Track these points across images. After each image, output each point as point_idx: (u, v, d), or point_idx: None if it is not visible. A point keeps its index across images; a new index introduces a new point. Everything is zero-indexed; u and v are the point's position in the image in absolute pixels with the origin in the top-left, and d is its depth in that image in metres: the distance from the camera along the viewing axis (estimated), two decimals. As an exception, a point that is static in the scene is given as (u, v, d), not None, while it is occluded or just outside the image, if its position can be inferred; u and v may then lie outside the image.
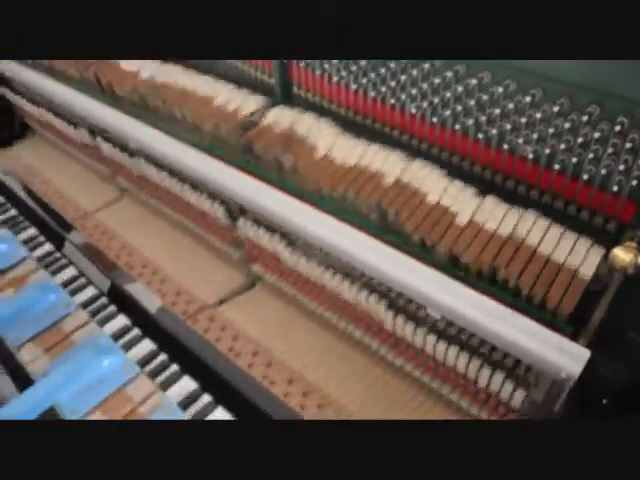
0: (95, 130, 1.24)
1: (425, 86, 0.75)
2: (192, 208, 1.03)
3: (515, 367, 0.66)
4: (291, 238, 0.85)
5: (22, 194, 1.40)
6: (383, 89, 0.79)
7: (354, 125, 0.84)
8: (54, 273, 1.03)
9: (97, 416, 0.73)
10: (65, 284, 1.00)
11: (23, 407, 0.77)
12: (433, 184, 0.72)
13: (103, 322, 0.91)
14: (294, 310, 0.95)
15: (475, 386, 0.71)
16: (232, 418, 0.77)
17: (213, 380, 0.81)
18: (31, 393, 0.79)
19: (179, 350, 0.85)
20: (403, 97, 0.77)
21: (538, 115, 0.66)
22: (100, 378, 0.78)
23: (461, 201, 0.70)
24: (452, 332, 0.70)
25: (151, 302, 0.92)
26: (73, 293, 0.97)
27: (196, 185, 0.98)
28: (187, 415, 0.73)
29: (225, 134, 0.88)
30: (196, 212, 1.02)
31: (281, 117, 0.86)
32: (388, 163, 0.76)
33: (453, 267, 0.68)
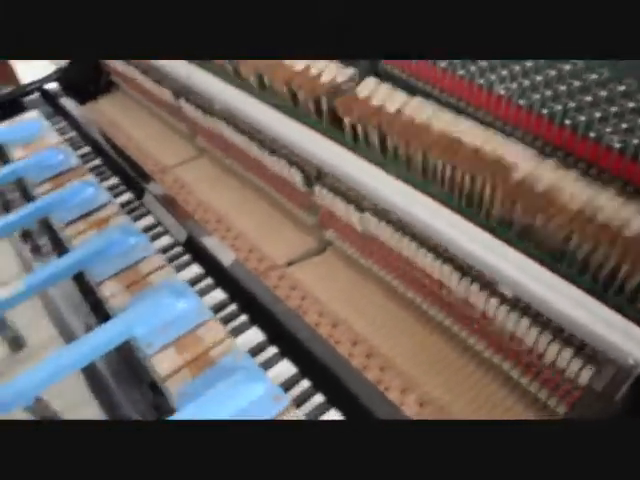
0: (180, 91, 1.28)
1: (517, 68, 0.75)
2: (270, 172, 1.06)
3: (584, 346, 0.67)
4: (366, 205, 0.87)
5: (105, 146, 1.46)
6: (472, 68, 0.80)
7: (438, 102, 0.85)
8: (134, 220, 1.08)
9: (171, 353, 0.78)
10: (144, 231, 1.05)
11: (101, 338, 0.82)
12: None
13: (178, 269, 0.96)
14: (364, 278, 0.97)
15: (540, 361, 0.72)
16: (296, 371, 0.81)
17: (281, 333, 0.84)
18: (109, 326, 0.84)
19: (250, 302, 0.89)
20: (492, 78, 0.78)
21: (630, 105, 0.66)
22: (174, 318, 0.82)
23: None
24: (522, 304, 0.71)
25: (225, 255, 0.96)
26: (151, 240, 1.02)
27: (275, 150, 1.01)
28: (255, 362, 0.76)
29: (311, 101, 0.91)
30: (273, 177, 1.06)
31: (370, 89, 0.88)
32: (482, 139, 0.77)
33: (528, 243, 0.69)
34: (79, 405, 0.87)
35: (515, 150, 0.74)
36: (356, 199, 0.90)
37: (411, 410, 0.79)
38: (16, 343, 0.98)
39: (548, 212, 0.67)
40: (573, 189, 0.67)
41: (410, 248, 0.83)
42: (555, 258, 0.68)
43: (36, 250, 1.26)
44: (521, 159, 0.73)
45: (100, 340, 0.82)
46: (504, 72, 0.76)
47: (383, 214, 0.86)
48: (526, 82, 0.74)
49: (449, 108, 0.83)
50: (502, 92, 0.77)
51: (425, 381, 0.83)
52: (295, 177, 0.97)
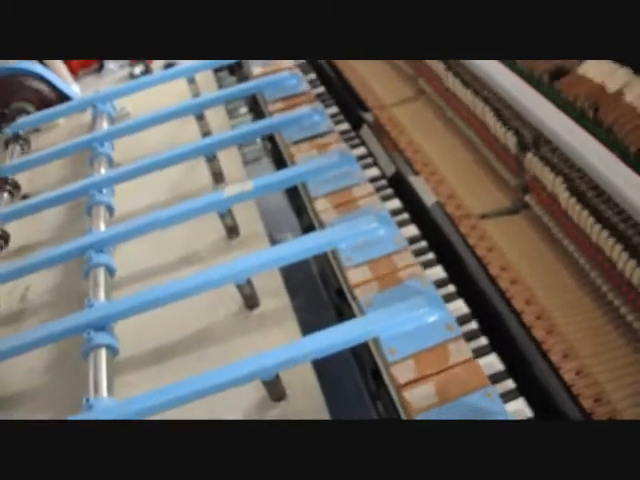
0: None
1: None
2: (485, 129, 1.11)
3: None
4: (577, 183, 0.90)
5: (332, 75, 1.58)
6: None
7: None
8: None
9: (364, 270, 0.89)
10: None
11: (307, 245, 0.95)
12: None
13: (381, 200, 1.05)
14: (552, 249, 1.00)
15: None
16: (468, 312, 0.89)
17: (461, 276, 0.92)
18: (316, 236, 0.97)
19: (439, 242, 0.97)
20: None
21: None
22: (373, 241, 0.92)
23: None
24: None
25: (427, 196, 1.04)
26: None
27: (498, 109, 1.06)
28: (437, 294, 0.85)
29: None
30: (488, 134, 1.11)
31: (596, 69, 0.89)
32: None
33: None
34: (271, 294, 1.01)
35: None
36: (568, 174, 0.92)
37: (568, 376, 0.83)
38: (233, 232, 1.14)
39: None
40: None
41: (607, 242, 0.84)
42: None
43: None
44: None
45: (306, 246, 0.95)
46: None
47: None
48: None
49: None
50: None
51: (586, 355, 0.86)
52: (510, 140, 1.02)
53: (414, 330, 0.79)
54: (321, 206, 1.01)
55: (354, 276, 0.88)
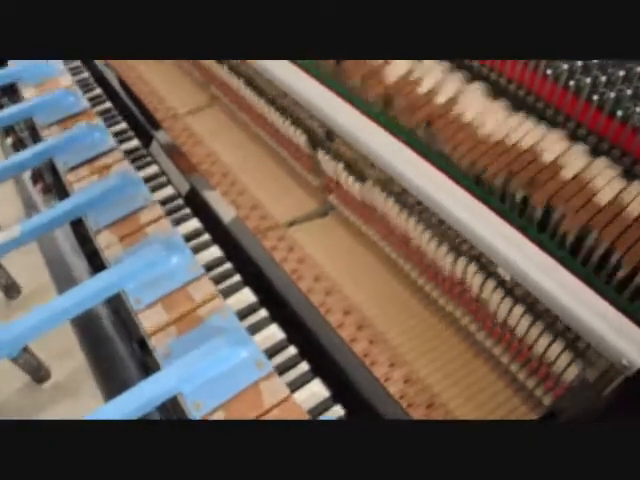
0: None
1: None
2: (278, 131, 1.03)
3: (576, 340, 0.64)
4: (370, 174, 0.84)
5: (119, 88, 1.43)
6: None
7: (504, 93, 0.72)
8: (138, 168, 1.06)
9: (158, 309, 0.76)
10: (146, 180, 1.02)
11: (91, 290, 0.80)
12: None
13: (176, 222, 0.93)
14: (364, 247, 0.94)
15: (530, 352, 0.70)
16: (283, 337, 0.79)
17: (272, 297, 0.82)
18: (100, 278, 0.82)
19: (244, 262, 0.87)
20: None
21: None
22: (166, 273, 0.80)
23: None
24: (519, 292, 0.68)
25: (226, 212, 0.93)
26: (152, 190, 1.00)
27: (285, 107, 0.97)
28: (243, 325, 0.74)
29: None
30: (281, 136, 1.02)
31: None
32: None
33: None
34: (64, 356, 0.86)
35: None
36: (360, 167, 0.86)
37: (396, 387, 0.77)
38: (11, 290, 0.96)
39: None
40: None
41: (409, 224, 0.80)
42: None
43: (48, 190, 1.25)
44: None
45: (90, 292, 0.80)
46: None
47: (386, 184, 0.82)
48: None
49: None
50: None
51: (415, 359, 0.81)
52: (300, 139, 0.94)
53: (220, 375, 0.68)
54: (104, 241, 0.87)
55: (148, 320, 0.76)
